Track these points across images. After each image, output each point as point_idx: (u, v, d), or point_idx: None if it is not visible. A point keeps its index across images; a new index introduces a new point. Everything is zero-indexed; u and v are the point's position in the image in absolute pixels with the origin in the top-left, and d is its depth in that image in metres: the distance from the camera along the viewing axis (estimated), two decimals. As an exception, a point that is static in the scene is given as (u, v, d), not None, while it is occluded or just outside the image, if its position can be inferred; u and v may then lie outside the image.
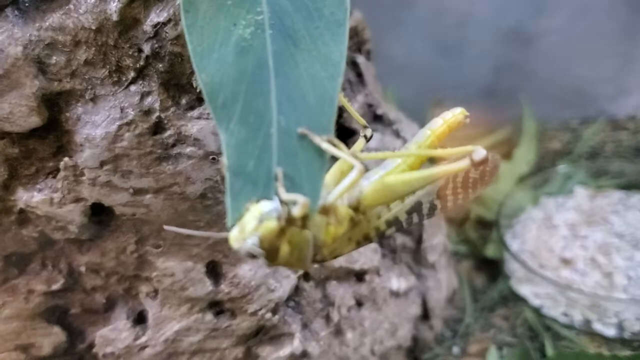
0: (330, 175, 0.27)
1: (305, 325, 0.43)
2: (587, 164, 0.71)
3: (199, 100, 0.35)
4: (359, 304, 0.46)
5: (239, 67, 0.25)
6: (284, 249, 0.23)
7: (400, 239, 0.50)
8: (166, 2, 0.33)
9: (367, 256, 0.46)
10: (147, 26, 0.33)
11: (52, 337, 0.40)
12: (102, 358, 0.41)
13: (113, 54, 0.33)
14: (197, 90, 0.35)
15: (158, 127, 0.35)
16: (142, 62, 0.34)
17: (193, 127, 0.35)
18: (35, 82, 0.33)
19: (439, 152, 0.29)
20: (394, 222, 0.29)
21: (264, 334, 0.41)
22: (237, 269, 0.39)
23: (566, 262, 0.57)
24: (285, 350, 0.41)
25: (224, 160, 0.23)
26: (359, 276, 0.46)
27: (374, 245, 0.47)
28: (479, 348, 0.53)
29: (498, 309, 0.56)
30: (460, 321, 0.56)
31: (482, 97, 0.79)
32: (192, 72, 0.34)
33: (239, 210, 0.23)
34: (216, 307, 0.40)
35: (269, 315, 0.40)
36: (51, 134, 0.35)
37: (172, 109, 0.35)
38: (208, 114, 0.35)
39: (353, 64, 0.47)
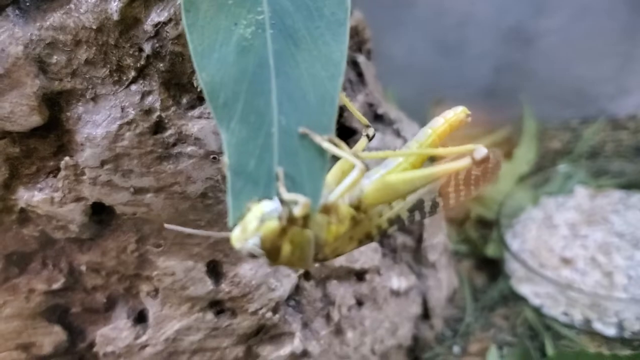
0: (331, 175, 0.27)
1: (305, 325, 0.43)
2: (587, 163, 0.71)
3: (200, 100, 0.35)
4: (360, 303, 0.46)
5: (240, 66, 0.25)
6: (286, 248, 0.23)
7: (401, 239, 0.50)
8: (167, 1, 0.33)
9: (367, 255, 0.46)
10: (148, 26, 0.33)
11: (52, 336, 0.40)
12: (103, 357, 0.41)
13: (114, 53, 0.33)
14: (198, 90, 0.35)
15: (159, 127, 0.35)
16: (142, 62, 0.34)
17: (194, 126, 0.35)
18: (36, 82, 0.33)
19: (440, 150, 0.29)
20: (396, 220, 0.29)
21: (264, 333, 0.42)
22: (238, 268, 0.39)
23: (566, 261, 0.57)
24: (286, 350, 0.42)
25: (225, 159, 0.23)
26: (360, 275, 0.46)
27: (374, 245, 0.47)
28: (479, 347, 0.53)
29: (498, 308, 0.56)
30: (460, 320, 0.56)
31: (482, 96, 0.79)
32: (193, 72, 0.34)
33: (240, 209, 0.23)
34: (217, 306, 0.41)
35: (269, 314, 0.40)
36: (52, 133, 0.35)
37: (172, 109, 0.35)
38: (209, 113, 0.35)
39: (353, 64, 0.47)
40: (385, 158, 0.29)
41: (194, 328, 0.40)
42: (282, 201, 0.22)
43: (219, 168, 0.36)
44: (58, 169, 0.35)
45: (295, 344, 0.42)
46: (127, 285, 0.40)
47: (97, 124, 0.34)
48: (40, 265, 0.39)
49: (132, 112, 0.34)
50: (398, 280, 0.49)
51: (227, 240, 0.23)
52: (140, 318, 0.41)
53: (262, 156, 0.23)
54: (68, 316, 0.41)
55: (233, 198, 0.23)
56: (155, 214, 0.37)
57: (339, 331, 0.45)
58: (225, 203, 0.23)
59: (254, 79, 0.25)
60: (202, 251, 0.39)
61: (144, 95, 0.34)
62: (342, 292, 0.45)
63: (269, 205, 0.23)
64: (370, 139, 0.30)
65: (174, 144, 0.35)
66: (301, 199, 0.22)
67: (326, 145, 0.24)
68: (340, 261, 0.44)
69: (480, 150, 0.26)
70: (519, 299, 0.56)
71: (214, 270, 0.40)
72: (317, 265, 0.42)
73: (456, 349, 0.53)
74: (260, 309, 0.40)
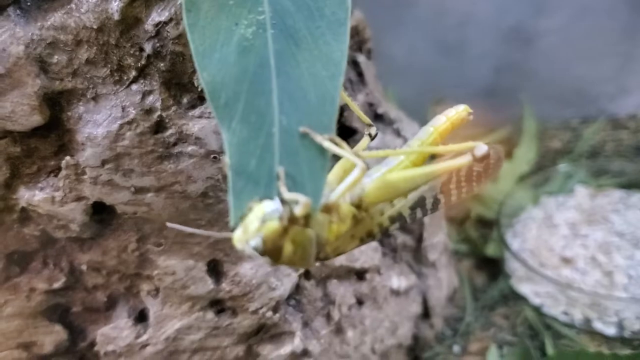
0: (332, 174, 0.27)
1: (306, 324, 0.43)
2: (587, 163, 0.71)
3: (201, 99, 0.35)
4: (360, 302, 0.46)
5: (241, 66, 0.25)
6: (287, 248, 0.23)
7: (401, 238, 0.50)
8: (167, 1, 0.33)
9: (367, 255, 0.46)
10: (149, 25, 0.33)
11: (53, 336, 0.40)
12: (104, 356, 0.41)
13: (114, 53, 0.33)
14: (199, 89, 0.35)
15: (159, 126, 0.35)
16: (143, 61, 0.34)
17: (194, 126, 0.35)
18: (37, 81, 0.33)
19: (440, 148, 0.29)
20: (398, 218, 0.29)
21: (264, 332, 0.42)
22: (238, 268, 0.39)
23: (566, 261, 0.57)
24: (286, 349, 0.42)
25: (226, 159, 0.23)
26: (360, 275, 0.46)
27: (374, 244, 0.47)
28: (479, 347, 0.53)
29: (498, 307, 0.57)
30: (460, 320, 0.56)
31: (483, 96, 0.79)
32: (194, 71, 0.34)
33: (242, 209, 0.23)
34: (217, 305, 0.41)
35: (269, 313, 0.40)
36: (53, 133, 0.35)
37: (173, 108, 0.35)
38: (209, 112, 0.35)
39: (354, 63, 0.47)
40: (386, 157, 0.29)
41: (194, 327, 0.40)
42: (283, 201, 0.22)
43: (220, 167, 0.36)
44: (59, 169, 0.35)
45: (295, 343, 0.42)
46: (128, 285, 0.40)
47: (98, 123, 0.34)
48: (41, 264, 0.39)
49: (133, 111, 0.34)
50: (398, 280, 0.49)
51: (228, 240, 0.23)
52: (141, 317, 0.41)
53: (263, 156, 0.23)
54: (69, 315, 0.41)
55: (234, 198, 0.23)
56: (155, 214, 0.37)
57: (339, 330, 0.45)
58: (226, 202, 0.23)
59: (254, 78, 0.25)
60: (203, 250, 0.39)
61: (145, 94, 0.34)
62: (343, 292, 0.45)
63: (270, 205, 0.23)
64: (372, 138, 0.30)
65: (175, 144, 0.35)
66: (302, 198, 0.22)
67: (327, 144, 0.24)
68: (340, 260, 0.44)
69: (481, 148, 0.26)
70: (519, 298, 0.56)
71: (215, 270, 0.40)
72: (317, 264, 0.42)
73: (456, 348, 0.53)
74: (261, 308, 0.40)
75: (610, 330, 0.51)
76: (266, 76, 0.25)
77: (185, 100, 0.35)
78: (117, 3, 0.32)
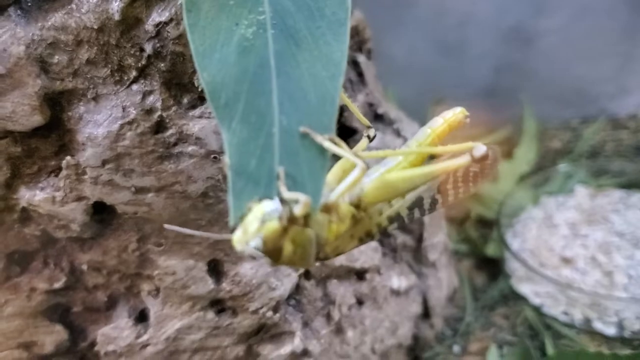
0: (332, 174, 0.27)
1: (306, 324, 0.43)
2: (587, 163, 0.71)
3: (201, 100, 0.35)
4: (360, 302, 0.47)
5: (241, 66, 0.25)
6: (287, 248, 0.24)
7: (401, 238, 0.50)
8: (168, 1, 0.33)
9: (367, 255, 0.46)
10: (149, 25, 0.33)
11: (54, 335, 0.40)
12: (104, 356, 0.41)
13: (115, 53, 0.33)
14: (199, 90, 0.35)
15: (160, 126, 0.35)
16: (143, 62, 0.34)
17: (195, 126, 0.35)
18: (38, 81, 0.33)
19: (439, 149, 0.29)
20: (396, 218, 0.29)
21: (265, 332, 0.42)
22: (239, 268, 0.39)
23: (566, 261, 0.57)
24: (286, 349, 0.42)
25: (226, 159, 0.23)
26: (360, 275, 0.46)
27: (374, 244, 0.47)
28: (479, 347, 0.53)
29: (498, 307, 0.57)
30: (460, 320, 0.56)
31: (483, 96, 0.79)
32: (194, 72, 0.34)
33: (241, 209, 0.23)
34: (217, 305, 0.41)
35: (270, 313, 0.40)
36: (53, 133, 0.35)
37: (173, 108, 0.35)
38: (209, 112, 0.35)
39: (354, 64, 0.47)
40: (385, 157, 0.30)
41: (194, 327, 0.40)
42: (282, 200, 0.22)
43: (220, 167, 0.36)
44: (59, 169, 0.35)
45: (295, 343, 0.42)
46: (128, 285, 0.40)
47: (98, 123, 0.34)
48: (42, 264, 0.39)
49: (133, 111, 0.34)
50: (398, 280, 0.49)
51: (228, 241, 0.23)
52: (142, 317, 0.41)
53: (263, 156, 0.23)
54: (69, 315, 0.41)
55: (234, 198, 0.23)
56: (156, 214, 0.37)
57: (339, 330, 0.45)
58: (226, 202, 0.23)
59: (255, 79, 0.25)
60: (203, 250, 0.39)
61: (145, 95, 0.34)
62: (343, 292, 0.45)
63: (270, 205, 0.23)
64: (371, 139, 0.30)
65: (175, 144, 0.35)
66: (302, 198, 0.22)
67: (327, 144, 0.24)
68: (340, 260, 0.44)
69: (479, 148, 0.26)
70: (519, 298, 0.56)
71: (215, 269, 0.40)
72: (317, 264, 0.42)
73: (456, 348, 0.53)
74: (261, 308, 0.40)
75: (610, 330, 0.51)
76: (266, 76, 0.25)
77: (185, 100, 0.35)
78: (117, 3, 0.32)
